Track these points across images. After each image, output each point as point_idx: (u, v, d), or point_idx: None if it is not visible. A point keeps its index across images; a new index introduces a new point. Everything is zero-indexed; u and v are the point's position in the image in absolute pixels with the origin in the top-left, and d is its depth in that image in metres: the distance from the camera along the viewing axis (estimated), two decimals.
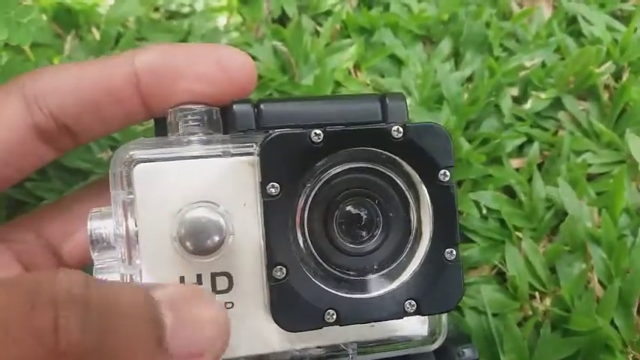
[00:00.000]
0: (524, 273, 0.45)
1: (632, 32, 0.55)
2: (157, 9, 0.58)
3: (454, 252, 0.31)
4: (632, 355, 0.43)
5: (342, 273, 0.31)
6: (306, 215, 0.31)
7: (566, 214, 0.47)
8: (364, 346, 0.33)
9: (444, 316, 0.34)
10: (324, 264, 0.31)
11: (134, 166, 0.31)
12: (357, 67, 0.55)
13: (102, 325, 0.23)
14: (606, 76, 0.53)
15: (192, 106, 0.34)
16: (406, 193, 0.31)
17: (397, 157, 0.31)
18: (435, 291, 0.31)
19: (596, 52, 0.53)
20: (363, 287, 0.31)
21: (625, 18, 0.58)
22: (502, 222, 0.48)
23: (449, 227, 0.31)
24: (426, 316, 0.33)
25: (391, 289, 0.31)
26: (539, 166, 0.51)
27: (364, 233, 0.32)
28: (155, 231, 0.30)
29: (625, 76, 0.53)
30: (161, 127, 0.35)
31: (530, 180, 0.49)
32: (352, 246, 0.31)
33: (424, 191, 0.31)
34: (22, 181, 0.36)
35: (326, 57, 0.55)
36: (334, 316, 0.29)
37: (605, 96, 0.53)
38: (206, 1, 0.58)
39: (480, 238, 0.47)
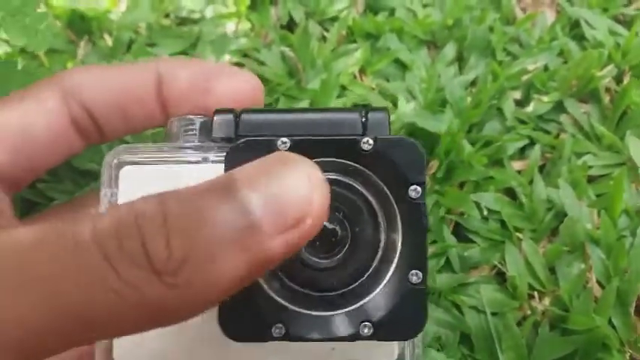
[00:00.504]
0: (523, 273, 0.46)
1: (634, 36, 0.55)
2: (167, 15, 0.59)
3: (420, 275, 0.29)
4: (629, 354, 0.43)
5: (300, 286, 0.30)
6: None
7: (566, 215, 0.48)
8: None
9: (418, 347, 0.32)
10: (281, 275, 0.30)
11: (121, 167, 0.33)
12: (362, 71, 0.57)
13: (186, 232, 0.23)
14: (608, 80, 0.54)
15: (191, 117, 0.35)
16: (376, 209, 0.31)
17: (366, 170, 0.30)
18: (395, 316, 0.29)
19: (599, 56, 0.54)
20: (318, 304, 0.30)
21: (627, 22, 0.59)
22: (503, 223, 0.49)
23: (417, 247, 0.29)
24: (395, 345, 0.32)
25: (348, 309, 0.29)
26: (541, 168, 0.51)
27: (330, 247, 0.30)
28: None
29: (626, 80, 0.54)
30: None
31: (531, 182, 0.50)
32: (315, 259, 0.30)
33: (395, 207, 0.30)
34: (50, 168, 0.39)
35: (332, 62, 0.56)
36: (282, 331, 0.29)
37: (607, 99, 0.54)
38: (215, 8, 0.59)
39: (481, 238, 0.48)
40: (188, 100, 0.38)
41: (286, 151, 0.29)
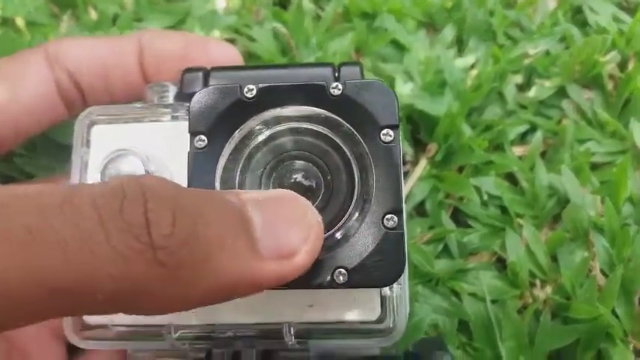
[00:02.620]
0: (524, 260, 0.44)
1: (638, 23, 0.54)
2: None
3: (395, 219, 0.28)
4: (632, 344, 0.42)
5: None
6: (237, 174, 0.29)
7: (568, 202, 0.46)
8: (304, 330, 0.31)
9: (403, 306, 0.30)
10: None
11: (92, 127, 0.33)
12: (358, 51, 0.55)
13: (193, 219, 0.23)
14: (611, 66, 0.52)
15: (166, 83, 0.35)
16: (348, 154, 0.29)
17: (336, 116, 0.29)
18: (371, 262, 0.28)
19: (602, 42, 0.52)
20: None
21: (631, 10, 0.57)
22: (503, 209, 0.47)
23: (391, 191, 0.28)
24: (377, 302, 0.30)
25: (323, 257, 0.28)
26: (542, 154, 0.50)
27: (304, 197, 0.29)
28: None
29: (631, 66, 0.53)
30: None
31: (532, 168, 0.48)
32: None
33: (366, 152, 0.29)
34: (33, 135, 0.39)
35: (327, 41, 0.54)
36: None
37: (610, 85, 0.52)
38: None
39: (480, 224, 0.46)
40: (166, 69, 0.38)
41: (253, 97, 0.29)
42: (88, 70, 0.38)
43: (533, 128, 0.51)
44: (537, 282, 0.44)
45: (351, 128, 0.29)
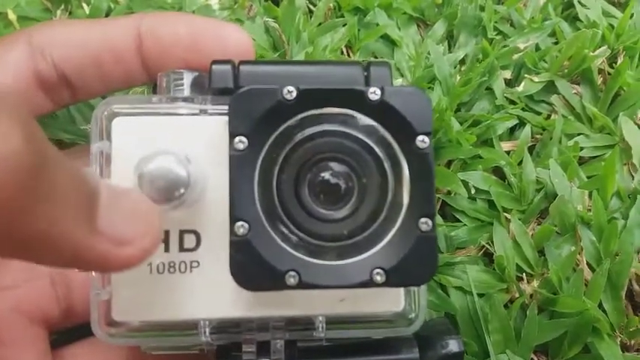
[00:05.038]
0: (511, 254, 0.44)
1: (628, 18, 0.54)
2: None
3: (430, 222, 0.29)
4: (619, 338, 0.42)
5: (310, 238, 0.30)
6: (275, 175, 0.29)
7: (555, 196, 0.46)
8: (333, 322, 0.31)
9: (423, 298, 0.32)
10: (292, 226, 0.30)
11: (113, 119, 0.31)
12: (349, 47, 0.55)
13: (45, 152, 0.20)
14: (600, 61, 0.53)
15: (182, 71, 0.33)
16: (383, 159, 0.30)
17: (373, 121, 0.29)
18: (407, 263, 0.29)
19: (592, 36, 0.52)
20: (330, 254, 0.30)
21: (621, 4, 0.57)
22: (490, 203, 0.47)
23: (425, 196, 0.29)
24: (402, 295, 0.32)
25: (360, 258, 0.29)
26: (530, 149, 0.50)
27: (337, 199, 0.30)
28: (127, 183, 0.29)
29: (620, 61, 0.53)
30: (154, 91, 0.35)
31: (520, 162, 0.48)
32: (323, 211, 0.30)
33: (401, 157, 0.29)
34: None
35: (318, 36, 0.54)
36: (296, 278, 0.28)
37: (599, 80, 0.52)
38: None
39: (468, 218, 0.46)
40: (171, 57, 0.35)
41: (292, 99, 0.28)
42: (78, 57, 0.35)
43: (521, 123, 0.51)
44: (524, 276, 0.44)
45: (387, 133, 0.30)
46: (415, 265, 0.29)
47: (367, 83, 0.31)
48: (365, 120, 0.30)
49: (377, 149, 0.30)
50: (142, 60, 0.35)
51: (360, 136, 0.30)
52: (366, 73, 0.31)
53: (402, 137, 0.29)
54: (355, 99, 0.29)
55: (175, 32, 0.35)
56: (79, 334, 0.35)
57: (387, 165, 0.30)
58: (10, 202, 0.19)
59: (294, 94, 0.28)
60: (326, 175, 0.30)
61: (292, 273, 0.28)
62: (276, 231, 0.29)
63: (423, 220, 0.29)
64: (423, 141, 0.29)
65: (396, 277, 0.29)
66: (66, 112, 0.46)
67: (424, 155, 0.29)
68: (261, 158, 0.29)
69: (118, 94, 0.32)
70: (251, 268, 0.28)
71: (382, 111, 0.29)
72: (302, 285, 0.28)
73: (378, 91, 0.29)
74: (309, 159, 0.30)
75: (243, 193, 0.28)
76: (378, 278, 0.29)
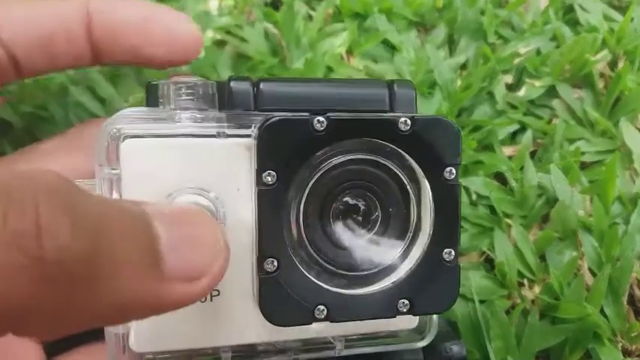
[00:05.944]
0: (513, 260, 0.44)
1: (629, 22, 0.54)
2: None
3: (453, 253, 0.30)
4: (621, 343, 0.42)
5: (336, 268, 0.30)
6: (302, 207, 0.29)
7: (557, 201, 0.46)
8: (350, 341, 0.32)
9: (435, 317, 0.33)
10: (318, 258, 0.30)
11: (122, 141, 0.28)
12: (349, 52, 0.55)
13: (95, 229, 0.19)
14: (602, 65, 0.53)
15: (187, 79, 0.31)
16: (408, 188, 0.30)
17: (402, 151, 0.29)
18: (430, 292, 0.30)
19: (593, 41, 0.52)
20: (356, 283, 0.30)
21: (622, 8, 0.57)
22: (492, 209, 0.47)
23: (450, 227, 0.30)
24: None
25: (385, 287, 0.30)
26: (532, 154, 0.50)
27: (361, 226, 0.30)
28: None
29: (621, 65, 0.53)
30: (152, 98, 0.32)
31: (521, 168, 0.48)
32: (348, 240, 0.30)
33: (427, 187, 0.30)
34: None
35: (318, 41, 0.54)
36: (324, 312, 0.28)
37: (601, 84, 0.52)
38: None
39: (469, 224, 0.46)
40: (122, 42, 0.36)
41: (322, 130, 0.28)
42: (26, 35, 0.35)
43: (523, 128, 0.51)
44: (525, 282, 0.44)
45: (415, 163, 0.30)
46: (438, 295, 0.30)
47: (392, 106, 0.30)
48: (394, 149, 0.29)
49: (403, 178, 0.30)
50: (90, 42, 0.36)
51: (387, 163, 0.30)
52: (390, 93, 0.31)
53: (430, 167, 0.29)
54: (386, 129, 0.29)
55: (129, 17, 0.36)
56: (75, 342, 0.35)
57: (412, 194, 0.30)
58: (71, 295, 0.19)
59: (325, 124, 0.28)
60: (351, 201, 0.30)
61: (321, 307, 0.28)
62: (303, 264, 0.29)
63: (447, 250, 0.30)
64: (450, 172, 0.29)
65: (420, 306, 0.30)
66: (63, 113, 0.46)
67: (452, 187, 0.30)
68: (289, 192, 0.28)
69: (123, 111, 0.30)
70: (281, 304, 0.28)
71: (412, 141, 0.29)
72: (331, 318, 0.29)
73: (409, 122, 0.29)
74: (335, 188, 0.30)
75: (272, 228, 0.28)
76: (403, 308, 0.29)
